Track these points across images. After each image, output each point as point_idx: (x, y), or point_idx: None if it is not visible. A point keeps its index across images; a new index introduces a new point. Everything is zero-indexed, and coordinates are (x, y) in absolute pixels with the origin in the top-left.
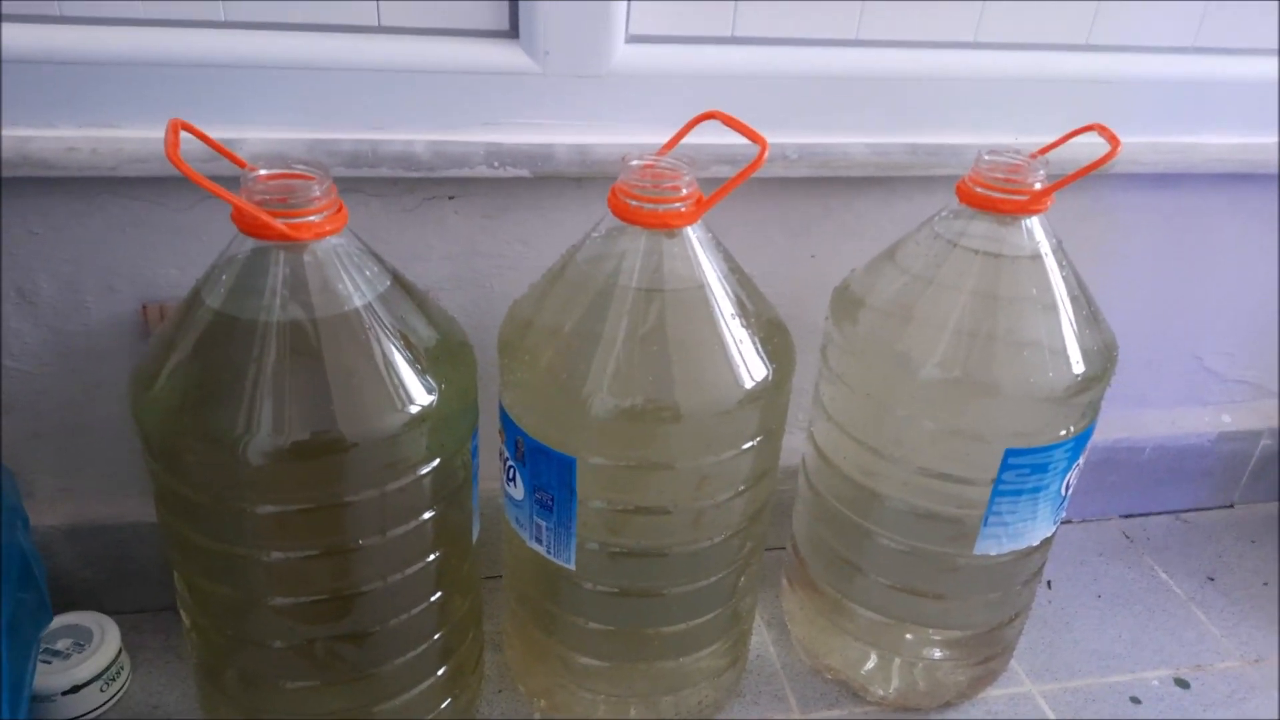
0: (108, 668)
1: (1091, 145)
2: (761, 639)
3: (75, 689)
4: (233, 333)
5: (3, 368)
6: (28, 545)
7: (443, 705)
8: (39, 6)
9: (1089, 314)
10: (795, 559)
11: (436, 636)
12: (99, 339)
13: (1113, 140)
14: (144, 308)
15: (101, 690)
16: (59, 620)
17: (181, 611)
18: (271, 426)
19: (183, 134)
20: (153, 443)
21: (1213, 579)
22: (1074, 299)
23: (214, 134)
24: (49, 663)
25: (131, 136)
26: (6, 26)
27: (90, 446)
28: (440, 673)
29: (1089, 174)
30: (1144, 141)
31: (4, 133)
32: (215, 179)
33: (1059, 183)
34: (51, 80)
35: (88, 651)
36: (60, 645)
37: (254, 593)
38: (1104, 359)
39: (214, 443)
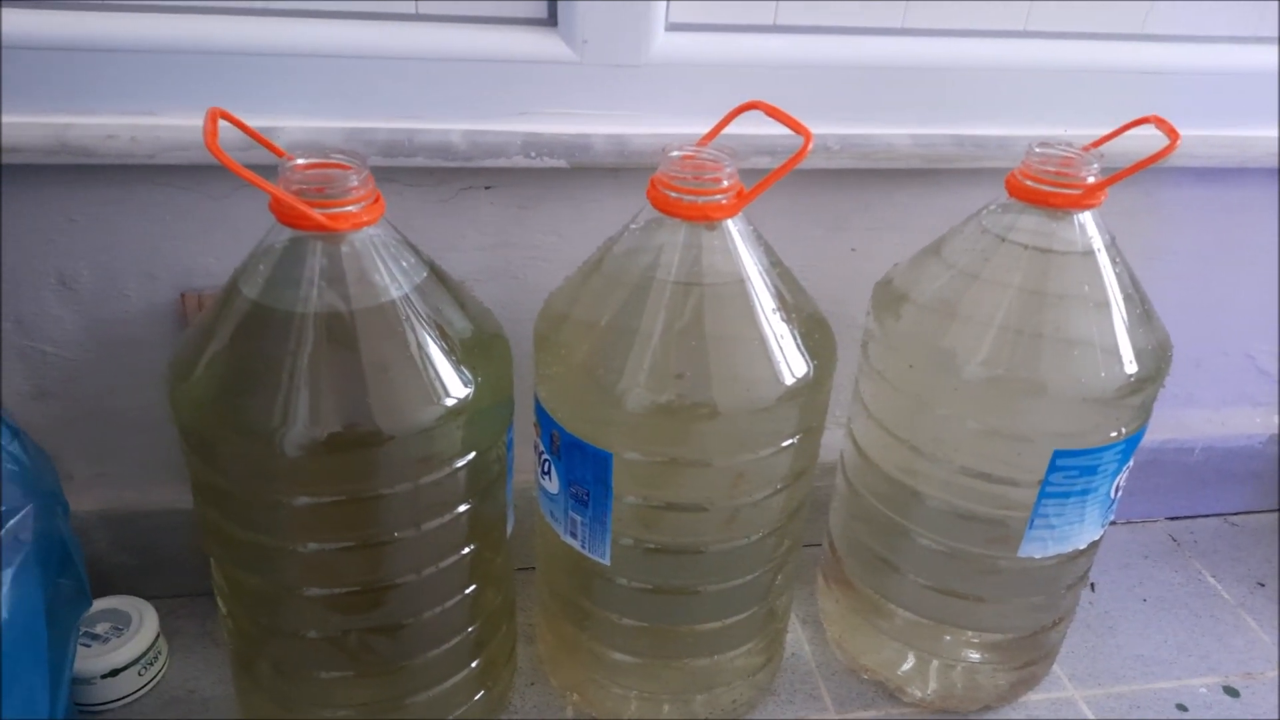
0: (146, 652)
1: (1143, 138)
2: (797, 637)
3: (114, 672)
4: (269, 323)
5: (43, 353)
6: (67, 531)
7: (475, 698)
8: None
9: (1142, 312)
10: (832, 556)
11: (469, 629)
12: (137, 327)
13: (1171, 133)
14: (182, 297)
15: (140, 674)
16: (98, 604)
17: (218, 599)
18: (307, 418)
19: (221, 122)
20: (189, 433)
21: (1263, 584)
22: (1128, 297)
23: (252, 122)
24: (88, 646)
25: (170, 124)
26: (48, 13)
27: (127, 433)
28: (473, 665)
29: (1143, 169)
30: (1199, 135)
31: (43, 120)
32: (253, 168)
33: (1114, 176)
34: (91, 67)
35: (126, 635)
36: (100, 629)
37: (288, 583)
38: (1157, 359)
39: (249, 434)
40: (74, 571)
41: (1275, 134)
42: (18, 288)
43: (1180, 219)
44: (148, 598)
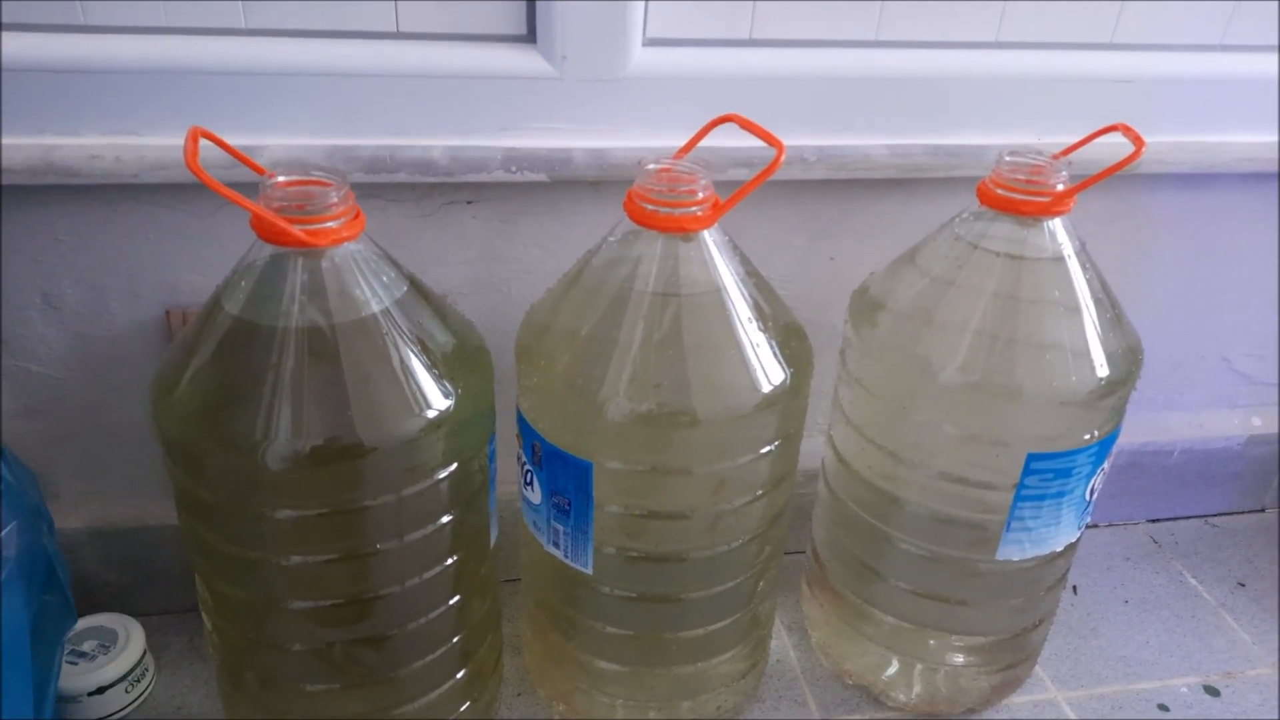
0: (132, 669)
1: (1116, 145)
2: (781, 643)
3: (101, 690)
4: (252, 338)
5: (29, 372)
6: (52, 548)
7: (461, 708)
8: (63, 14)
9: (1113, 316)
10: (815, 563)
11: (455, 640)
12: (123, 344)
13: (1137, 140)
14: (168, 313)
15: (126, 691)
16: (85, 622)
17: (203, 614)
18: (290, 432)
19: (203, 141)
20: (173, 447)
21: (1243, 584)
22: (1098, 301)
23: (235, 141)
24: (75, 664)
25: (153, 144)
26: (32, 35)
27: (114, 450)
28: (459, 676)
29: (1113, 175)
30: (1170, 141)
31: (29, 141)
32: (236, 186)
33: (1082, 184)
34: (76, 88)
35: (113, 653)
36: (86, 646)
37: (273, 596)
38: (1129, 362)
39: (233, 448)
40: (59, 588)
41: (1244, 139)
42: (3, 307)
43: (1155, 225)
44: (135, 615)
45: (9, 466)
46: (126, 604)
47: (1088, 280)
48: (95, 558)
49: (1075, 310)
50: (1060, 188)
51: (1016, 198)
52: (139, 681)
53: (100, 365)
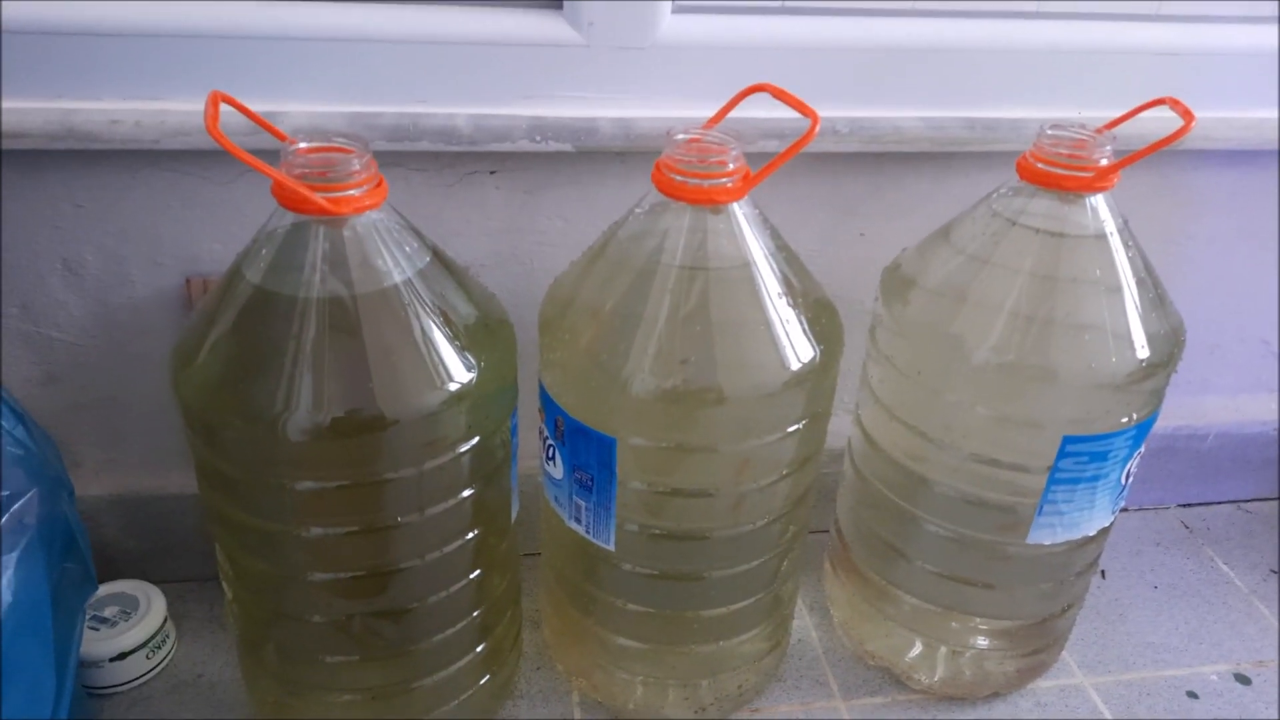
0: (153, 636)
1: (1160, 120)
2: (803, 624)
3: (122, 656)
4: (272, 308)
5: (50, 339)
6: (73, 516)
7: (480, 682)
8: None
9: (1155, 297)
10: (839, 543)
11: (474, 614)
12: (143, 312)
13: (1186, 114)
14: (188, 281)
15: (147, 658)
16: (107, 588)
17: (223, 584)
18: (310, 403)
19: (224, 107)
20: (193, 418)
21: (1275, 571)
22: (1140, 281)
23: (256, 107)
24: (97, 629)
25: (174, 109)
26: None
27: (135, 418)
28: (478, 650)
29: (1155, 151)
30: (1215, 117)
31: (48, 105)
32: (257, 152)
33: (1127, 159)
34: (95, 52)
35: (134, 619)
36: (108, 613)
37: (293, 568)
38: (1170, 344)
39: (253, 419)
40: (79, 555)
41: None
42: (23, 273)
43: (1197, 203)
44: (156, 582)
45: (29, 433)
46: (148, 571)
47: (1130, 259)
48: (116, 525)
49: (1116, 290)
50: (1104, 163)
51: (1058, 172)
52: (160, 648)
53: (121, 333)
